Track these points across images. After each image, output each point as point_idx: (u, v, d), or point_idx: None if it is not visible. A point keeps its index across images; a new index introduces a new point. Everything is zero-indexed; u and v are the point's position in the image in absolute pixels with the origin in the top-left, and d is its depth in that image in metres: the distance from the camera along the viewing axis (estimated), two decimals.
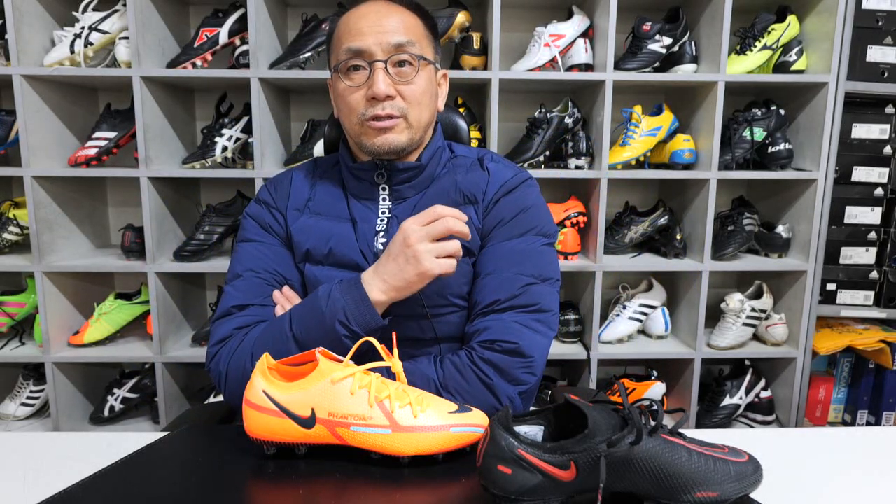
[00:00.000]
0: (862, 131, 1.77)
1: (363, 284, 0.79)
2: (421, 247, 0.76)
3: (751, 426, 1.90)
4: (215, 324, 0.87)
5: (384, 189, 0.92)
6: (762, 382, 1.88)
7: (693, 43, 1.75)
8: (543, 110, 1.77)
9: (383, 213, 0.91)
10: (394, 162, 0.90)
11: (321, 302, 0.78)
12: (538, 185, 0.96)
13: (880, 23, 1.70)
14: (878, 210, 1.80)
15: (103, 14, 1.66)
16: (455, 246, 0.78)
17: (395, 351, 0.71)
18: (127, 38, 1.61)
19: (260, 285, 0.89)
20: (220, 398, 1.80)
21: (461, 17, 1.72)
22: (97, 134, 1.70)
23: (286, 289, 0.90)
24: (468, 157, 0.97)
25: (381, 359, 0.70)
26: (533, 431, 0.60)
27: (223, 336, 0.85)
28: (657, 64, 1.72)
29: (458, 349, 0.89)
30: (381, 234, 0.90)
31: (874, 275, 1.81)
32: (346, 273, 0.88)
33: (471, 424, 0.66)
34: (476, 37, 1.73)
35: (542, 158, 1.77)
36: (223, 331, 0.86)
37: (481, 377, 0.80)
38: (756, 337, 1.90)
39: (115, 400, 1.81)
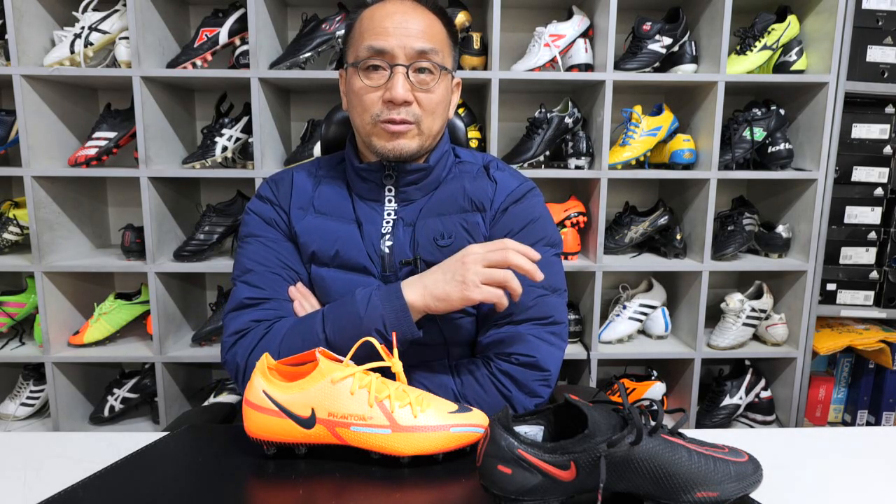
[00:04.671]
0: (862, 131, 1.77)
1: (402, 287, 0.78)
2: (472, 266, 0.74)
3: (751, 426, 1.90)
4: (228, 316, 0.87)
5: (390, 191, 0.91)
6: (762, 382, 1.88)
7: (693, 43, 1.75)
8: (543, 110, 1.77)
9: (389, 214, 0.90)
10: (401, 164, 0.89)
11: (359, 307, 0.77)
12: (542, 195, 0.97)
13: (880, 23, 1.70)
14: (878, 210, 1.80)
15: (103, 14, 1.65)
16: (504, 275, 0.74)
17: (395, 351, 0.71)
18: (127, 38, 1.61)
19: (274, 279, 0.88)
20: (221, 398, 1.81)
21: (461, 17, 1.72)
22: (97, 134, 1.70)
23: (300, 285, 0.90)
24: (473, 164, 0.96)
25: (381, 358, 0.70)
26: (533, 431, 0.60)
27: (239, 328, 0.84)
28: (657, 64, 1.72)
29: (467, 354, 0.90)
30: (388, 236, 0.89)
31: (874, 275, 1.81)
32: (353, 275, 0.88)
33: (471, 424, 0.66)
34: (476, 37, 1.73)
35: (542, 158, 1.77)
36: (239, 323, 0.85)
37: (500, 389, 0.81)
38: (756, 337, 1.90)
39: (115, 400, 1.81)
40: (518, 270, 0.74)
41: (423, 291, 0.76)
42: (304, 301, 0.88)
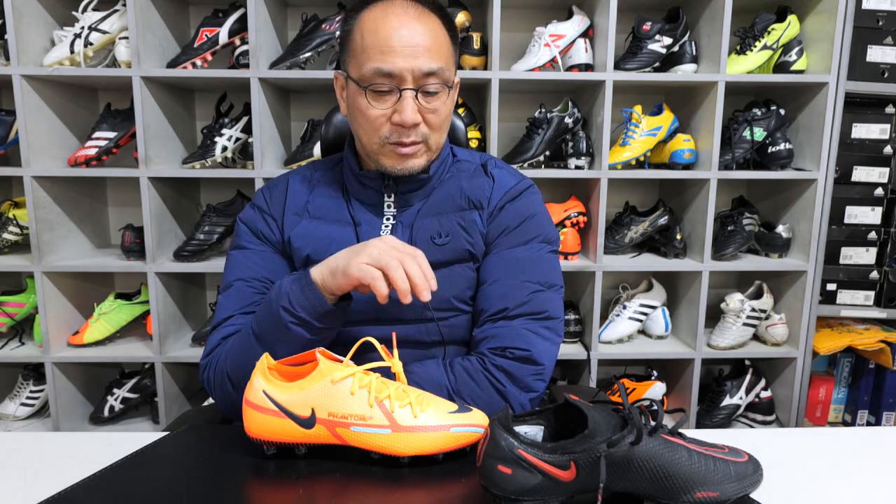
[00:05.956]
0: (862, 131, 1.77)
1: (313, 266, 0.78)
2: (369, 249, 0.73)
3: (751, 426, 1.90)
4: (210, 334, 0.88)
5: (390, 196, 0.91)
6: (762, 382, 1.88)
7: (693, 43, 1.75)
8: (543, 110, 1.77)
9: (388, 218, 0.91)
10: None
11: (272, 292, 0.78)
12: (540, 192, 0.97)
13: (880, 23, 1.70)
14: (878, 210, 1.80)
15: (103, 14, 1.65)
16: (388, 265, 0.71)
17: (395, 351, 0.71)
18: (127, 38, 1.61)
19: (249, 294, 0.89)
20: None
21: (461, 17, 1.72)
22: (97, 134, 1.70)
23: None
24: (471, 163, 0.96)
25: (382, 359, 0.70)
26: (533, 431, 0.60)
27: (212, 347, 0.86)
28: (657, 64, 1.72)
29: (464, 352, 0.90)
30: None
31: (874, 275, 1.81)
32: None
33: (471, 424, 0.66)
34: (476, 37, 1.73)
35: (542, 158, 1.77)
36: (212, 341, 0.86)
37: (494, 384, 0.80)
38: (756, 337, 1.90)
39: (115, 400, 1.81)
40: (390, 282, 0.71)
41: (324, 266, 0.76)
42: None
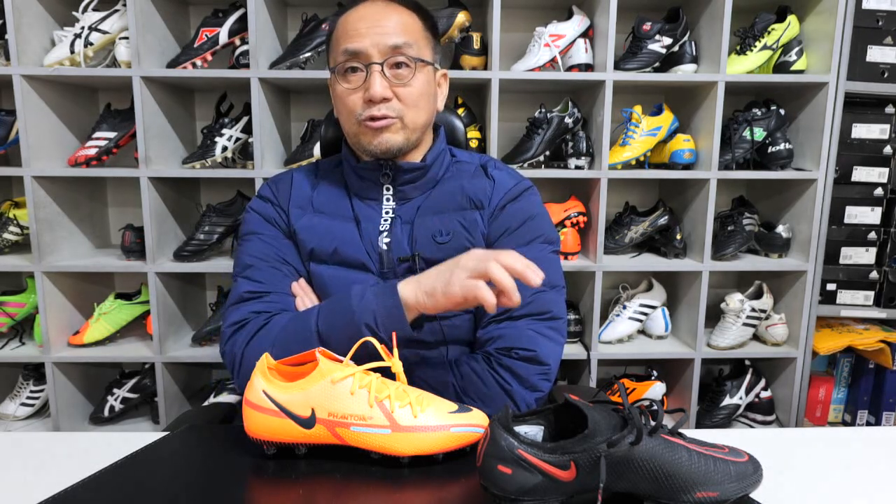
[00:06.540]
0: (862, 131, 1.77)
1: (399, 284, 0.76)
2: (463, 263, 0.72)
3: (751, 426, 1.90)
4: (229, 309, 0.87)
5: (388, 189, 0.92)
6: (762, 382, 1.88)
7: (693, 43, 1.75)
8: (543, 110, 1.77)
9: (387, 212, 0.92)
10: (398, 162, 0.90)
11: (353, 301, 0.77)
12: (539, 193, 0.97)
13: (880, 23, 1.70)
14: (878, 210, 1.80)
15: (103, 14, 1.65)
16: (489, 268, 0.68)
17: (395, 351, 0.71)
18: (127, 38, 1.61)
19: (274, 274, 0.89)
20: (221, 398, 1.81)
21: (461, 17, 1.72)
22: (97, 134, 1.70)
23: (302, 281, 0.91)
24: (470, 163, 0.97)
25: (381, 358, 0.70)
26: (533, 431, 0.60)
27: (239, 319, 0.84)
28: (657, 64, 1.72)
29: (465, 352, 0.90)
30: (385, 233, 0.90)
31: (874, 275, 1.81)
32: (353, 272, 0.89)
33: (471, 424, 0.66)
34: (476, 37, 1.73)
35: (542, 158, 1.77)
36: (238, 314, 0.85)
37: (501, 383, 0.81)
38: (756, 337, 1.90)
39: (115, 400, 1.81)
40: (497, 284, 0.69)
41: (415, 287, 0.75)
42: (305, 297, 0.89)
